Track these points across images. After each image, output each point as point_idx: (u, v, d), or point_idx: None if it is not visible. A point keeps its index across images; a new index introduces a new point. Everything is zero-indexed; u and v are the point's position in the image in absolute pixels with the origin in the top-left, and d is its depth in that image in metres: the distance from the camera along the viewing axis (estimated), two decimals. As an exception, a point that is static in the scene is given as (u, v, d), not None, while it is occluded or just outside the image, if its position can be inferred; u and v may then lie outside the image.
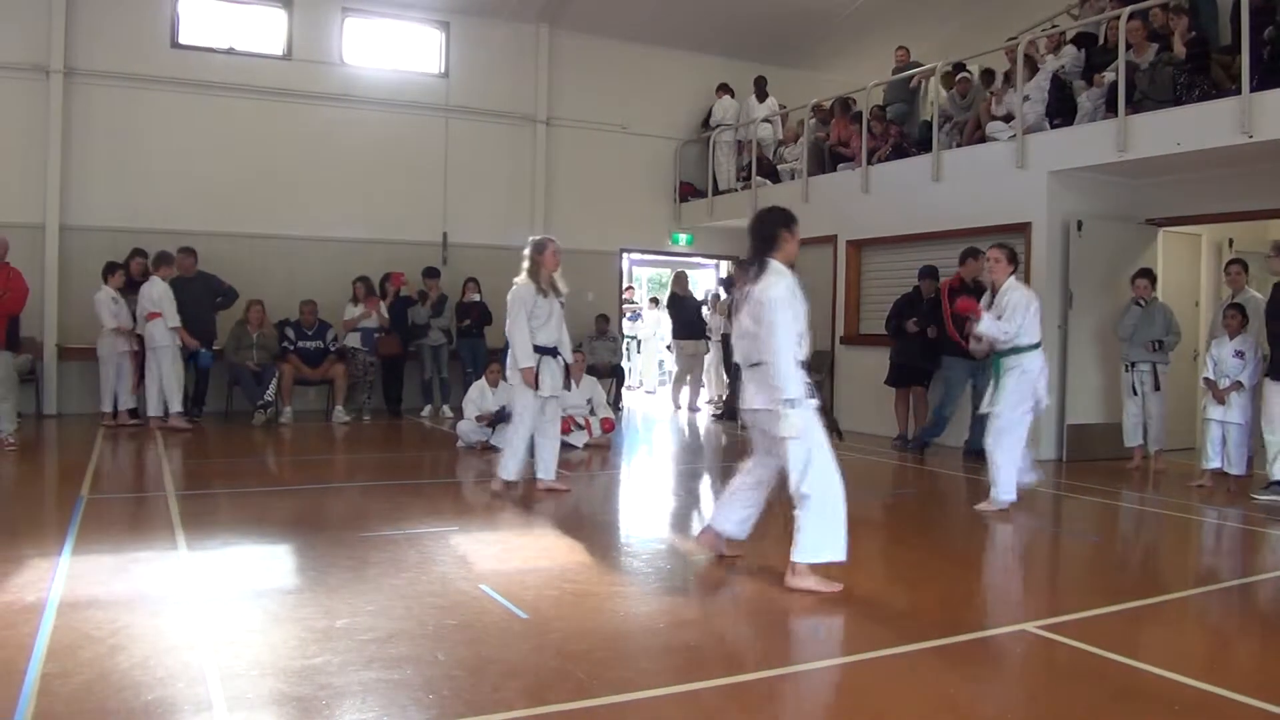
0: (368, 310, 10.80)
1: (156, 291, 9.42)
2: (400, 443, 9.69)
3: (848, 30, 13.38)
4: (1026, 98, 8.68)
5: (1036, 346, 6.19)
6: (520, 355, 6.22)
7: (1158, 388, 7.97)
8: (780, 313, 4.20)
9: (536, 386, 6.23)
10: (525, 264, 6.31)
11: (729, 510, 4.68)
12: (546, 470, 6.54)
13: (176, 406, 9.49)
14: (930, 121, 9.99)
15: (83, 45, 10.49)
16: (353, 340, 10.80)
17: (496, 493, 6.37)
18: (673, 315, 13.17)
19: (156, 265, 9.64)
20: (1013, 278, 6.28)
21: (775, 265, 4.36)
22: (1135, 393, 8.04)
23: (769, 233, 4.42)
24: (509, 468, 6.38)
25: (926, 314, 8.98)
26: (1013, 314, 6.08)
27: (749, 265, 4.51)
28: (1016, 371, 6.12)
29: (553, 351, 6.36)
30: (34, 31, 10.28)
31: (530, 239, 6.45)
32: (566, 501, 6.44)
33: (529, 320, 6.19)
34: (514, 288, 6.32)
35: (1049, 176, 8.50)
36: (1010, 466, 6.09)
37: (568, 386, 6.69)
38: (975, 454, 7.98)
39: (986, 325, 6.13)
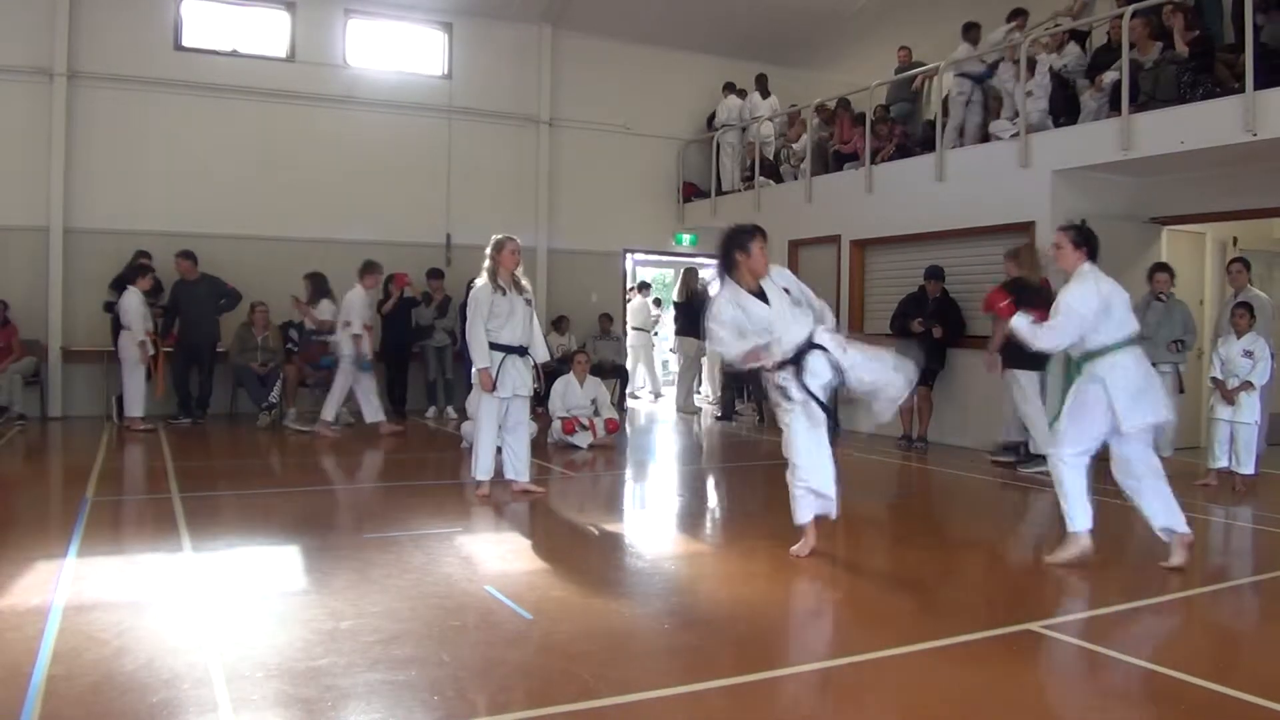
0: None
1: (352, 301, 9.33)
2: (404, 444, 9.68)
3: (850, 30, 13.36)
4: (1030, 93, 8.67)
5: (1114, 349, 4.71)
6: (477, 356, 6.16)
7: (1181, 390, 7.85)
8: (715, 325, 4.74)
9: (493, 389, 6.14)
10: (485, 264, 6.26)
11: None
12: (518, 471, 6.40)
13: (378, 415, 9.49)
14: (933, 121, 9.96)
15: (86, 48, 10.51)
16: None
17: (483, 496, 6.24)
18: (679, 313, 13.09)
19: (361, 275, 9.47)
20: (1088, 264, 4.81)
21: (727, 282, 4.80)
22: None
23: (726, 258, 4.80)
24: (479, 467, 6.31)
25: (931, 314, 8.97)
26: (1066, 312, 4.71)
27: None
28: (1084, 381, 4.78)
29: (520, 350, 6.26)
30: (37, 34, 10.30)
31: (492, 238, 6.37)
32: (570, 502, 6.42)
33: (489, 320, 6.13)
34: (472, 289, 6.29)
35: (1053, 176, 8.48)
36: (1078, 496, 4.81)
37: (542, 386, 6.64)
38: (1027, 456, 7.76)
39: (1017, 325, 4.87)
